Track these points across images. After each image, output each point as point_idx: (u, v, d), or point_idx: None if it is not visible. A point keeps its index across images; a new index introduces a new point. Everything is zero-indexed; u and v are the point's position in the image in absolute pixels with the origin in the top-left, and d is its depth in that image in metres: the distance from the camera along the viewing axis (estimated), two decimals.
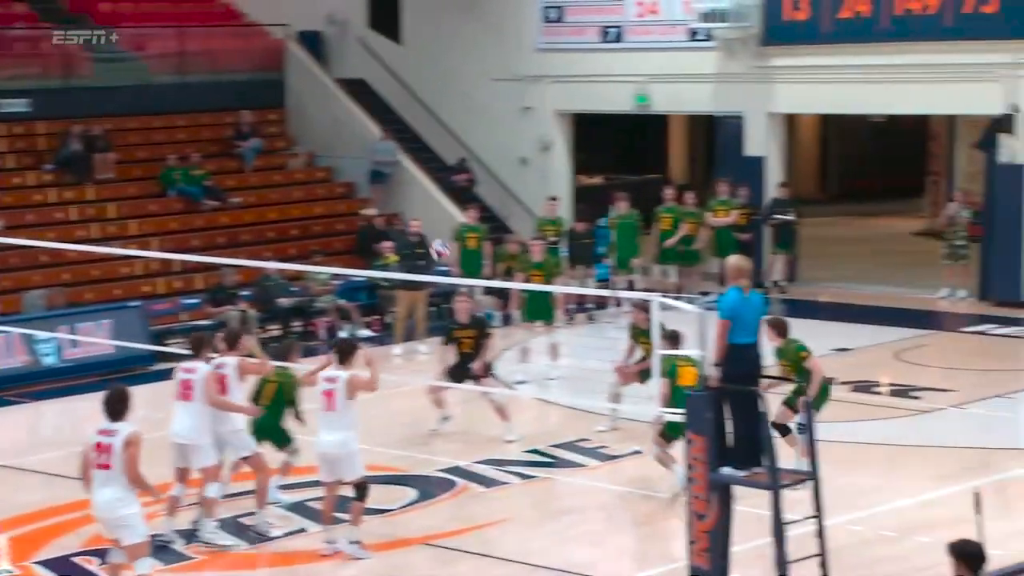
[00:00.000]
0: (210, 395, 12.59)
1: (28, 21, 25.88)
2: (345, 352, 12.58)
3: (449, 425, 16.35)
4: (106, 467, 10.44)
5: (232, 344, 13.18)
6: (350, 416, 12.31)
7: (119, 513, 10.49)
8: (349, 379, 12.32)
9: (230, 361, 12.89)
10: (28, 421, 18.10)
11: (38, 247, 20.58)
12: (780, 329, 13.77)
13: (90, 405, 18.65)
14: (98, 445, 10.51)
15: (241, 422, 12.97)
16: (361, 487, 12.39)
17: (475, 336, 15.89)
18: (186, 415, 12.70)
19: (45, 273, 22.30)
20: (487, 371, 15.84)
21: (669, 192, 24.47)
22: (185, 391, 12.71)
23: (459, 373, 15.88)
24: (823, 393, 13.80)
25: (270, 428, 13.62)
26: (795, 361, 13.74)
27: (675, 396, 13.16)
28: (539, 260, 19.74)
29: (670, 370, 13.43)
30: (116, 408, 10.58)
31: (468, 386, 15.74)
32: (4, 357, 19.28)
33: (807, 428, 12.88)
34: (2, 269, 21.88)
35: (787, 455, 12.96)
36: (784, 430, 13.73)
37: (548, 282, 19.09)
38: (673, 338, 13.69)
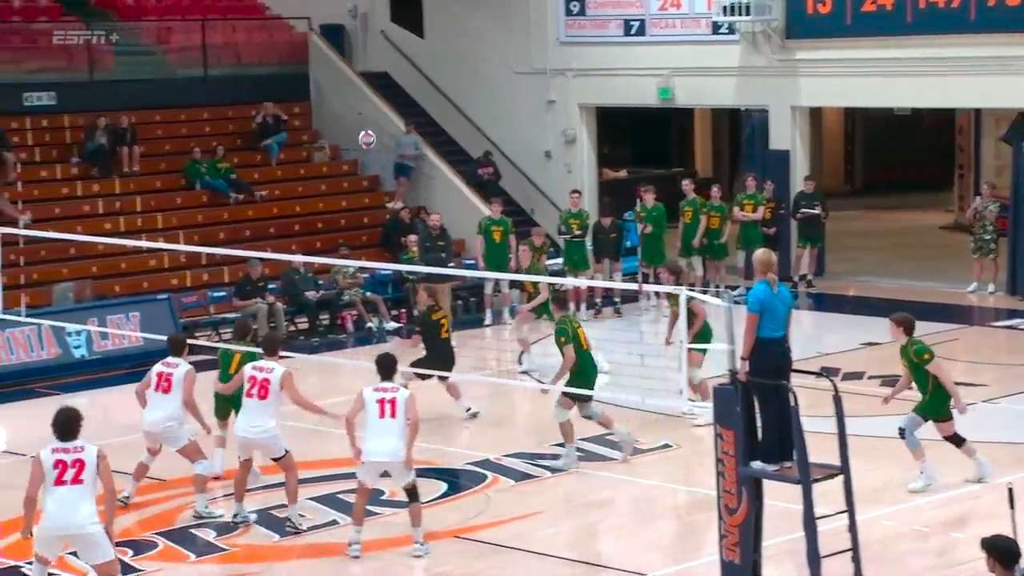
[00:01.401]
0: (293, 395, 12.98)
1: (52, 15, 25.97)
2: (385, 368, 12.54)
3: (479, 418, 16.41)
4: (77, 482, 10.22)
5: (271, 351, 13.30)
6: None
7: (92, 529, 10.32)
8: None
9: (276, 369, 12.99)
10: None
11: (66, 240, 20.68)
12: (908, 327, 13.76)
13: (120, 397, 18.90)
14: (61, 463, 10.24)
15: (276, 426, 12.99)
16: (411, 490, 12.41)
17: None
18: (161, 406, 13.32)
19: (73, 266, 22.40)
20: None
21: (689, 185, 24.41)
22: (161, 383, 13.37)
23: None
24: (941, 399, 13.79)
25: None
26: (914, 364, 13.71)
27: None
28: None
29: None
30: (72, 428, 10.39)
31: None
32: (35, 350, 19.40)
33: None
34: (31, 262, 21.98)
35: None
36: (958, 440, 13.89)
37: (536, 286, 18.88)
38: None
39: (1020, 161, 23.27)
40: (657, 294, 21.27)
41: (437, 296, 20.29)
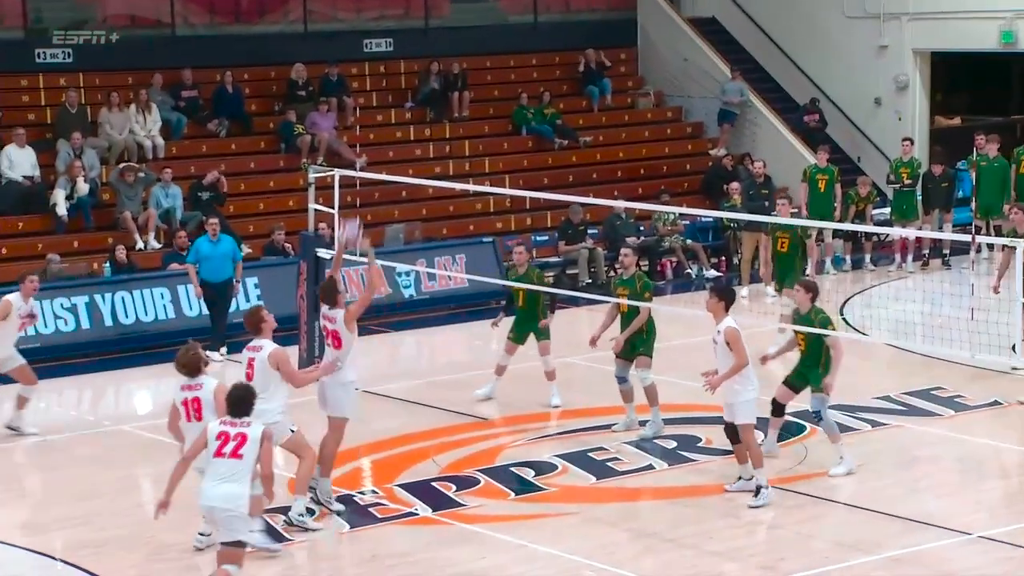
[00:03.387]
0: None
1: None
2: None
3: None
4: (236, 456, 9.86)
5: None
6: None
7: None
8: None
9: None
10: (388, 350, 18.83)
11: (399, 183, 21.33)
12: (815, 294, 12.81)
13: (446, 337, 19.49)
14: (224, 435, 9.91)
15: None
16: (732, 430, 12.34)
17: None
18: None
19: (404, 208, 23.12)
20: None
21: None
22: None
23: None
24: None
25: None
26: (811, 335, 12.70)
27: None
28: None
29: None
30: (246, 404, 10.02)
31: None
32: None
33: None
34: (365, 204, 22.79)
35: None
36: (779, 410, 13.11)
37: (794, 247, 17.47)
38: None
39: None
40: (990, 246, 20.46)
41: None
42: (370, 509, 12.33)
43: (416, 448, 14.05)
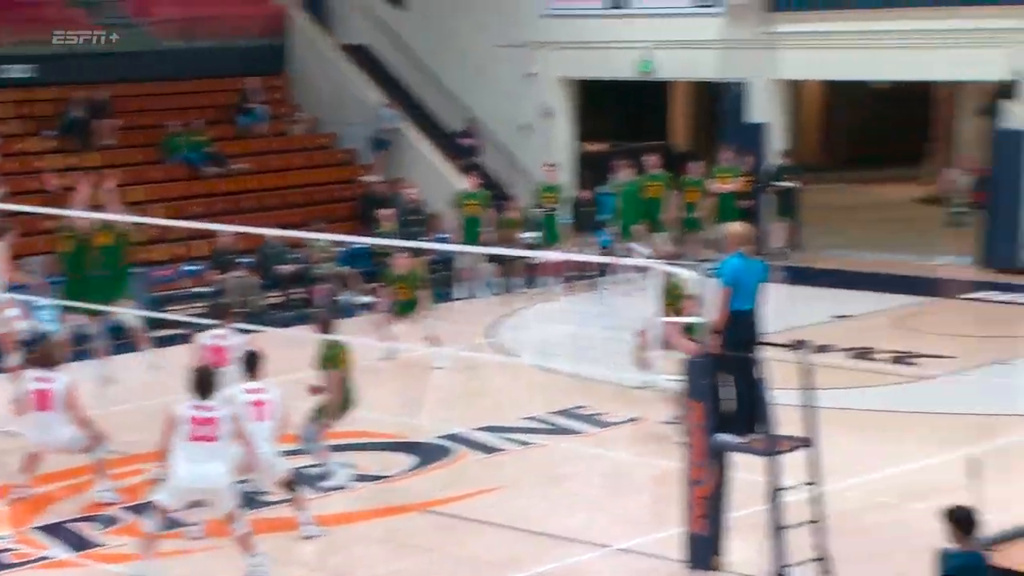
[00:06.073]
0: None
1: None
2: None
3: (450, 392, 16.40)
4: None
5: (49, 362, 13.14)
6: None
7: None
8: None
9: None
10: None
11: (40, 214, 20.54)
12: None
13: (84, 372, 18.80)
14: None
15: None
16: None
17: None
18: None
19: (48, 239, 22.26)
20: None
21: (654, 160, 24.09)
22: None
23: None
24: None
25: None
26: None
27: None
28: (403, 273, 18.43)
29: None
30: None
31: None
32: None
33: None
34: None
35: None
36: None
37: (413, 294, 18.30)
38: None
39: (996, 134, 23.29)
40: (633, 268, 21.28)
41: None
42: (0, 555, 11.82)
43: (53, 488, 13.52)
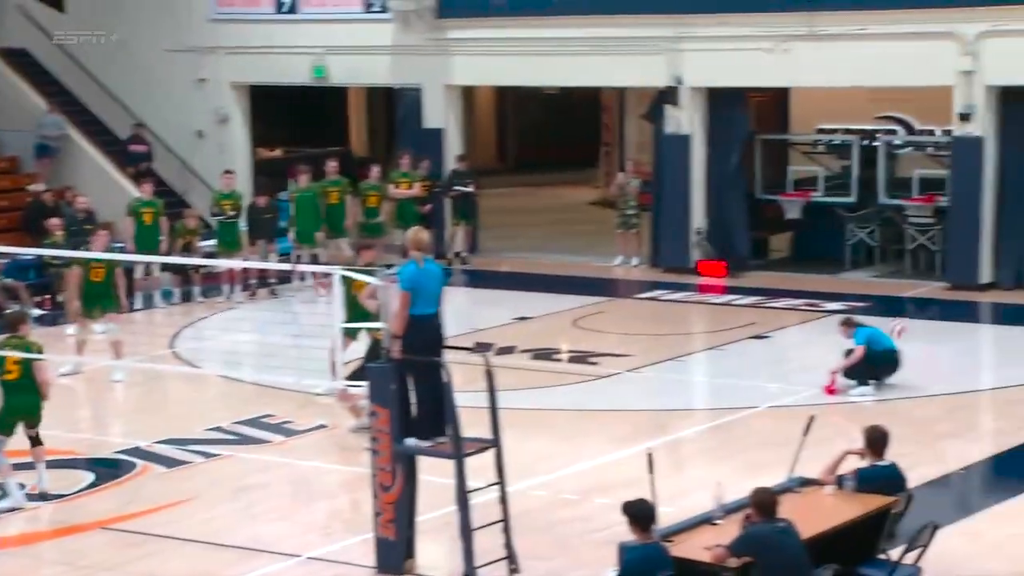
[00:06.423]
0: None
1: None
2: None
3: (130, 405, 15.95)
4: None
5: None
6: None
7: None
8: None
9: None
10: None
11: None
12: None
13: None
14: None
15: None
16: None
17: None
18: None
19: None
20: None
21: (332, 166, 24.03)
22: None
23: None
24: None
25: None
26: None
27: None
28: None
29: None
30: None
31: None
32: None
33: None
34: None
35: None
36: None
37: (110, 276, 17.86)
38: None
39: (660, 138, 24.15)
40: (312, 274, 21.19)
41: None
42: None
43: None
